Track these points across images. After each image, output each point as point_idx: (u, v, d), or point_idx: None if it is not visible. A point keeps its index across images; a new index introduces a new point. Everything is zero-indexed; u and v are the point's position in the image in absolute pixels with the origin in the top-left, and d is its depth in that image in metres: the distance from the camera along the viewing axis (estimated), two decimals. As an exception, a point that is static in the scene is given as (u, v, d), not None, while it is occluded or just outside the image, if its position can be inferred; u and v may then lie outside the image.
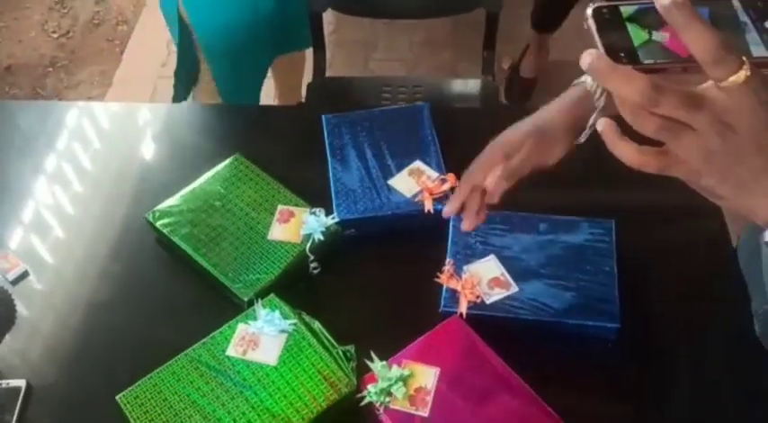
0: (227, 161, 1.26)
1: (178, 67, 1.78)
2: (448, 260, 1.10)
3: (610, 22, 0.51)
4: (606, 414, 1.01)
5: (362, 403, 0.97)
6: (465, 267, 1.09)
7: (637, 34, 0.50)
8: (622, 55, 0.49)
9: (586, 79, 0.95)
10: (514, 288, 1.07)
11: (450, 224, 1.14)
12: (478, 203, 0.96)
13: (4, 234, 1.24)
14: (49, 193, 1.31)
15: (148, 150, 1.40)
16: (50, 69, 2.77)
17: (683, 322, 1.08)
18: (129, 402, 0.99)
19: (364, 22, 2.66)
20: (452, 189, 1.18)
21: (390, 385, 0.97)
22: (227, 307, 1.10)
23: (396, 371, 0.99)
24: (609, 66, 0.49)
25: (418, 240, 1.15)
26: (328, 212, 1.16)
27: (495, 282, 1.08)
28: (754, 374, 1.01)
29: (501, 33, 1.84)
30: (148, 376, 1.01)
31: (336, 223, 1.16)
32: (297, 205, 1.19)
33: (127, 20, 2.92)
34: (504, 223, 1.15)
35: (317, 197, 1.19)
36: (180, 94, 1.82)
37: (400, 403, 0.97)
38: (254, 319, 1.05)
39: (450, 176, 1.19)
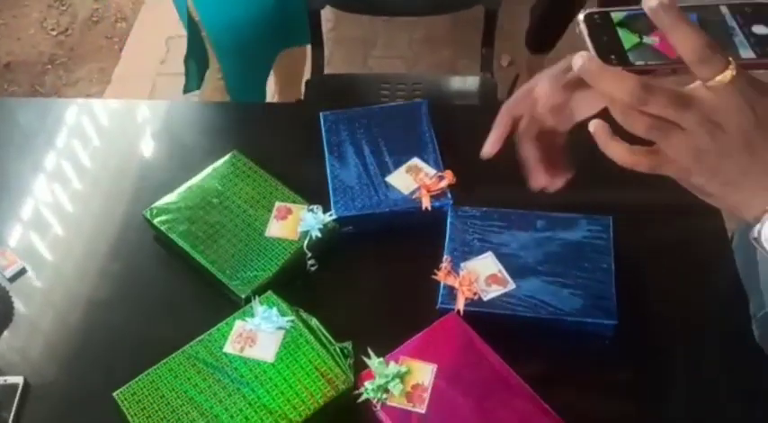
0: (225, 158, 1.26)
1: (187, 55, 1.83)
2: (445, 257, 1.10)
3: (601, 26, 0.52)
4: (603, 411, 1.01)
5: (360, 400, 0.98)
6: (462, 264, 1.09)
7: (627, 38, 0.52)
8: (613, 57, 0.51)
9: None
10: (512, 285, 1.07)
11: (448, 221, 1.15)
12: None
13: (3, 231, 1.24)
14: (48, 191, 1.31)
15: (148, 148, 1.40)
16: (49, 67, 2.77)
17: (681, 319, 1.08)
18: (126, 399, 0.99)
19: (363, 20, 2.65)
20: (450, 186, 1.18)
21: (387, 382, 0.97)
22: (225, 304, 1.10)
23: (393, 367, 0.99)
24: (600, 67, 0.51)
25: (416, 237, 1.15)
26: (326, 209, 1.16)
27: (493, 279, 1.08)
28: (750, 373, 1.01)
29: (500, 30, 1.85)
30: (146, 373, 1.01)
31: (334, 220, 1.16)
32: (294, 202, 1.19)
33: (126, 17, 2.92)
34: (502, 220, 1.15)
35: (314, 194, 1.19)
36: (191, 83, 1.86)
37: (397, 400, 0.97)
38: (252, 316, 1.05)
39: (448, 173, 1.19)
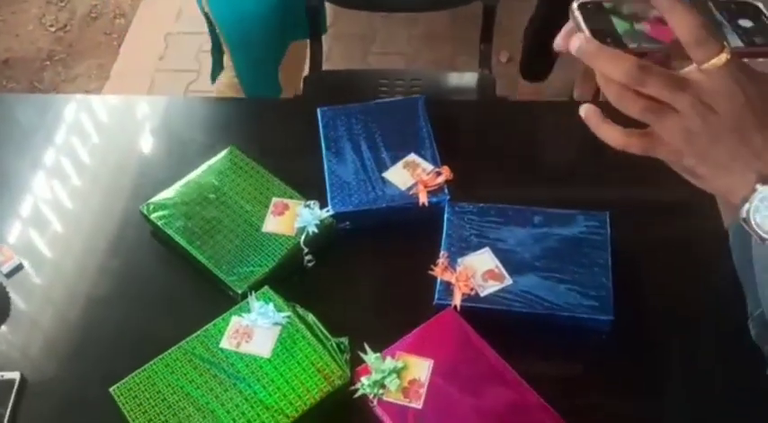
0: (222, 153, 1.26)
1: (212, 46, 1.91)
2: (442, 253, 1.10)
3: (594, 12, 0.54)
4: (599, 406, 1.01)
5: (356, 395, 0.98)
6: (459, 260, 1.09)
7: (620, 24, 0.54)
8: (609, 40, 0.52)
9: None
10: (508, 280, 1.07)
11: (445, 217, 1.15)
12: None
13: (2, 228, 1.24)
14: (46, 187, 1.31)
15: (146, 144, 1.40)
16: (48, 63, 2.76)
17: (677, 315, 1.08)
18: (122, 394, 0.99)
19: (362, 16, 2.65)
20: (447, 182, 1.18)
21: (384, 377, 0.98)
22: (222, 299, 1.10)
23: (389, 363, 0.99)
24: (597, 47, 0.52)
25: (413, 233, 1.15)
26: (323, 205, 1.16)
27: (490, 274, 1.08)
28: (746, 370, 1.01)
29: (498, 26, 1.84)
30: (142, 369, 1.01)
31: (331, 216, 1.16)
32: (291, 198, 1.19)
33: (124, 13, 2.92)
34: (499, 216, 1.15)
35: (311, 190, 1.19)
36: (216, 72, 1.94)
37: (394, 395, 0.97)
38: (248, 311, 1.05)
39: (445, 169, 1.19)
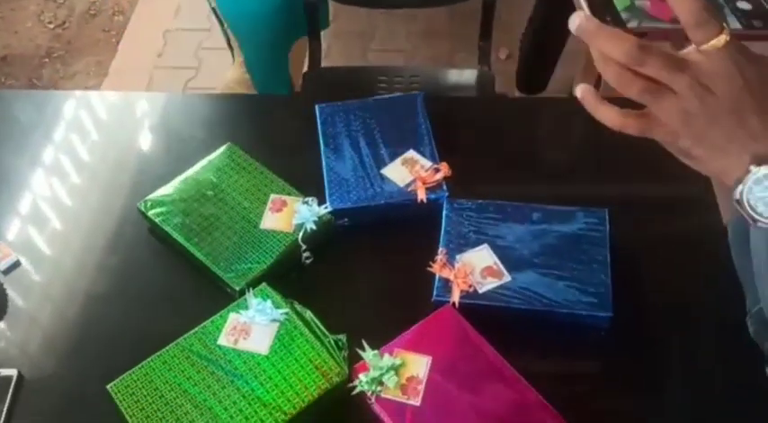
0: (220, 150, 1.25)
1: (226, 41, 1.96)
2: (441, 249, 1.10)
3: None
4: (598, 403, 1.00)
5: (354, 392, 0.97)
6: (458, 256, 1.09)
7: (620, 2, 0.55)
8: (609, 19, 0.53)
9: None
10: (507, 277, 1.07)
11: (444, 213, 1.14)
12: None
13: (0, 225, 1.24)
14: (45, 184, 1.30)
15: (145, 140, 1.40)
16: (46, 60, 2.76)
17: (677, 311, 1.08)
18: (119, 391, 0.99)
19: (361, 12, 2.65)
20: (445, 178, 1.18)
21: (382, 374, 0.97)
22: (220, 296, 1.10)
23: (387, 360, 0.98)
24: (597, 26, 0.51)
25: (411, 230, 1.15)
26: (321, 202, 1.16)
27: (488, 271, 1.08)
28: (745, 367, 1.01)
29: (497, 23, 1.84)
30: (139, 366, 1.01)
31: (329, 213, 1.15)
32: (289, 194, 1.19)
33: (123, 10, 2.92)
34: (498, 213, 1.14)
35: (309, 186, 1.19)
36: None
37: (392, 392, 0.97)
38: (246, 308, 1.05)
39: (444, 166, 1.19)
